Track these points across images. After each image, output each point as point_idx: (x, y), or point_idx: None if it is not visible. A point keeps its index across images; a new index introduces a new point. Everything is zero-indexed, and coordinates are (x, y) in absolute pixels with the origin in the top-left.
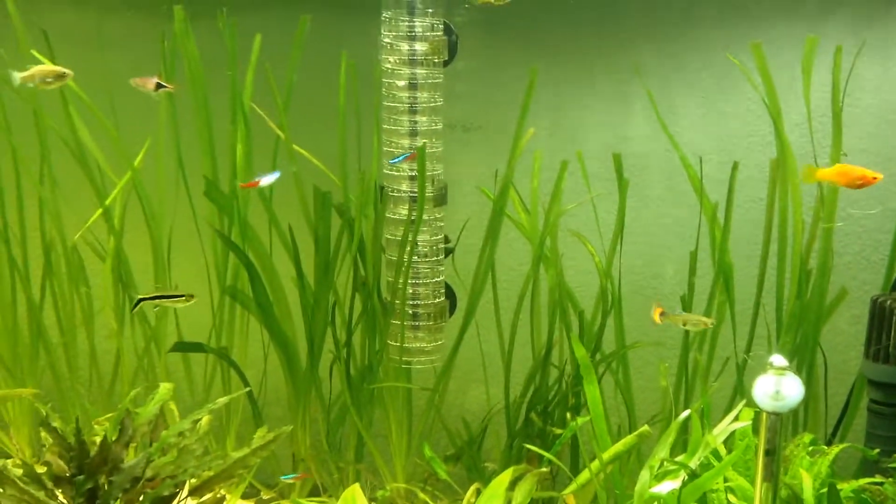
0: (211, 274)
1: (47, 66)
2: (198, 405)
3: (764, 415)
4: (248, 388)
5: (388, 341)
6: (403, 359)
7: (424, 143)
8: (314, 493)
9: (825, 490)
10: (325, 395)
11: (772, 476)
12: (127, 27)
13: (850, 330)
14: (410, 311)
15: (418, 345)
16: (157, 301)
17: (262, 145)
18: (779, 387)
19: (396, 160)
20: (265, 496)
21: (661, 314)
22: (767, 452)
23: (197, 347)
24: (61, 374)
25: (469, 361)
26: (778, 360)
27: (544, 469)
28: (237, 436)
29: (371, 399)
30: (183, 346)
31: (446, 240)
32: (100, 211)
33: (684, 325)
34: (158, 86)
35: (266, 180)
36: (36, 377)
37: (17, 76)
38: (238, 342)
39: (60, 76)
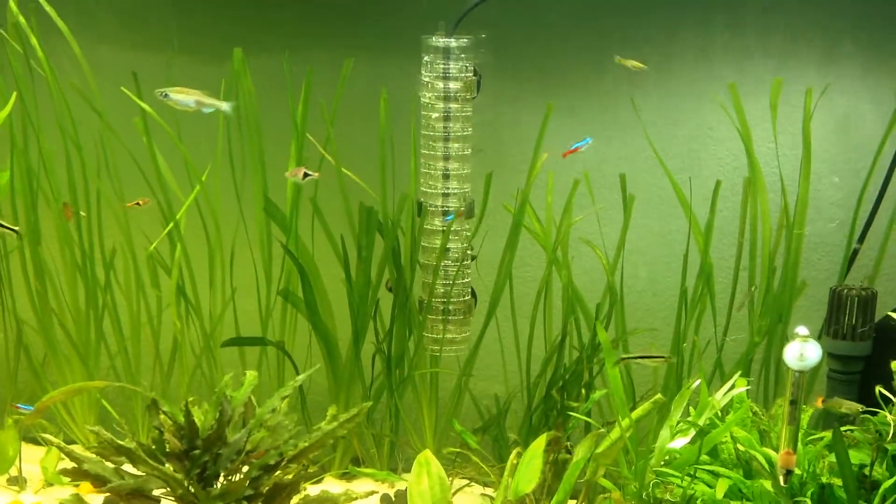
0: (261, 278)
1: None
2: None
3: (790, 372)
4: (317, 366)
5: (424, 333)
6: (435, 347)
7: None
8: (354, 464)
9: (808, 438)
10: (366, 381)
11: (794, 420)
12: (194, 68)
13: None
14: (442, 308)
15: (449, 336)
16: None
17: (312, 166)
18: (803, 350)
19: (579, 144)
20: (311, 470)
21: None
22: (792, 402)
23: (258, 341)
24: (122, 369)
25: (488, 352)
26: (802, 330)
27: (602, 430)
28: None
29: (404, 383)
30: (240, 341)
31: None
32: (172, 224)
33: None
34: (305, 174)
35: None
36: (100, 372)
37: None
38: (283, 337)
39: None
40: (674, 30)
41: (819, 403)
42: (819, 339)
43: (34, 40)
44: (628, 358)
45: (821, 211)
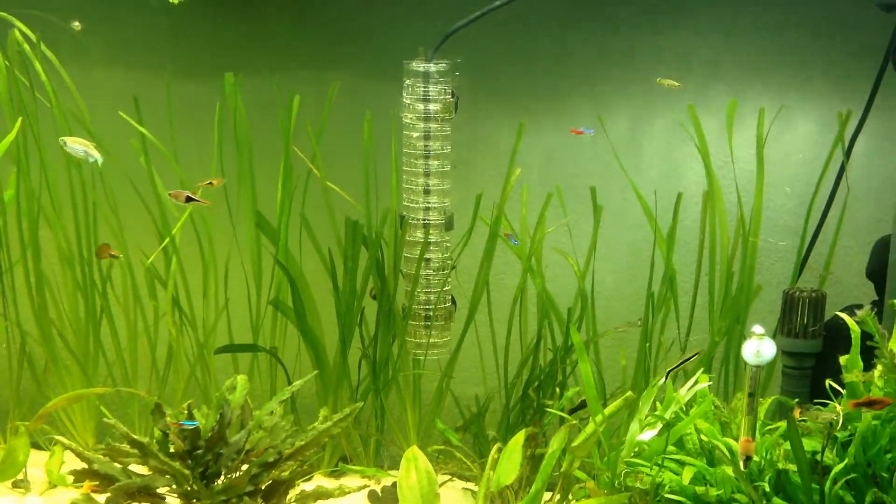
0: (252, 288)
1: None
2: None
3: (748, 368)
4: (313, 373)
5: (407, 338)
6: (417, 352)
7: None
8: (342, 462)
9: (766, 427)
10: (353, 384)
11: (752, 411)
12: (190, 89)
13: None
14: (423, 314)
15: (431, 340)
16: None
17: (299, 182)
18: (759, 347)
19: (585, 130)
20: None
21: None
22: (750, 395)
23: (250, 348)
24: (119, 376)
25: (467, 355)
26: (758, 329)
27: (574, 422)
28: None
29: (388, 385)
30: (233, 348)
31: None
32: (167, 238)
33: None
34: (188, 199)
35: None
36: (99, 380)
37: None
38: (273, 344)
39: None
40: (632, 56)
41: (797, 414)
42: (774, 337)
43: (38, 66)
44: (677, 368)
45: (775, 219)
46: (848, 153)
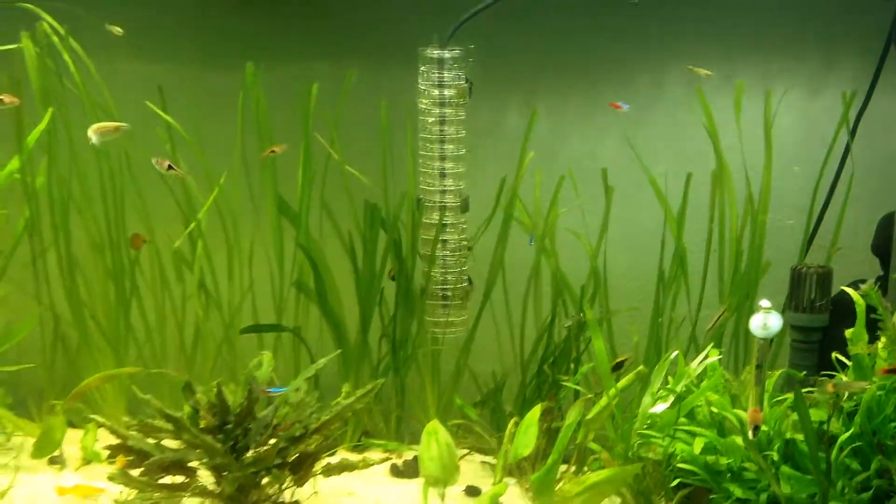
0: (275, 271)
1: (108, 123)
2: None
3: (756, 340)
4: (337, 352)
5: (426, 317)
6: (436, 330)
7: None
8: (364, 437)
9: (774, 399)
10: (374, 362)
11: (760, 382)
12: (213, 78)
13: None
14: (441, 294)
15: (448, 319)
16: None
17: (318, 168)
18: (766, 321)
19: (622, 105)
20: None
21: None
22: (758, 366)
23: (275, 328)
24: (149, 357)
25: (484, 333)
26: (765, 303)
27: (590, 396)
28: None
29: (408, 362)
30: (258, 328)
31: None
32: (193, 223)
33: None
34: (170, 167)
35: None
36: (129, 360)
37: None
38: (296, 324)
39: (116, 129)
40: (644, 41)
41: (830, 388)
42: (782, 312)
43: (67, 56)
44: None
45: (784, 198)
46: (853, 132)
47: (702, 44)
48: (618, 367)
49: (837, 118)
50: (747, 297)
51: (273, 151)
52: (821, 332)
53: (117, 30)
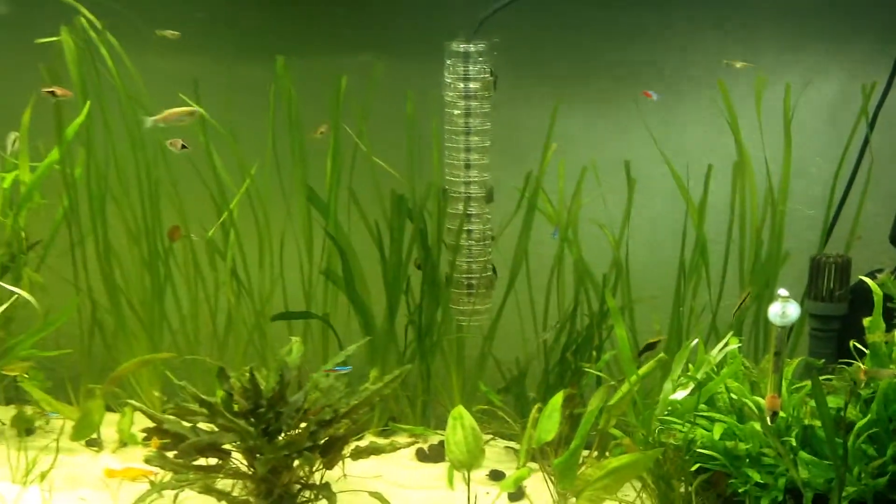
0: (304, 259)
1: (179, 109)
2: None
3: (774, 328)
4: (366, 339)
5: (451, 305)
6: (461, 318)
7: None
8: (391, 421)
9: (793, 386)
10: (400, 348)
11: (778, 369)
12: (244, 71)
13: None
14: (466, 283)
15: (473, 307)
16: None
17: (347, 159)
18: (784, 309)
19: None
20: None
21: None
22: (776, 353)
23: (304, 315)
24: (183, 343)
25: (508, 320)
26: (783, 291)
27: (612, 383)
28: None
29: (433, 349)
30: (288, 315)
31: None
32: (226, 213)
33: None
34: (183, 146)
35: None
36: (163, 346)
37: (149, 120)
38: (324, 311)
39: (190, 114)
40: (666, 34)
41: (862, 375)
42: (802, 301)
43: (104, 51)
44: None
45: (806, 188)
46: (872, 124)
47: (725, 37)
48: (651, 348)
49: (856, 110)
50: (767, 286)
51: (322, 133)
52: (839, 321)
53: (171, 33)
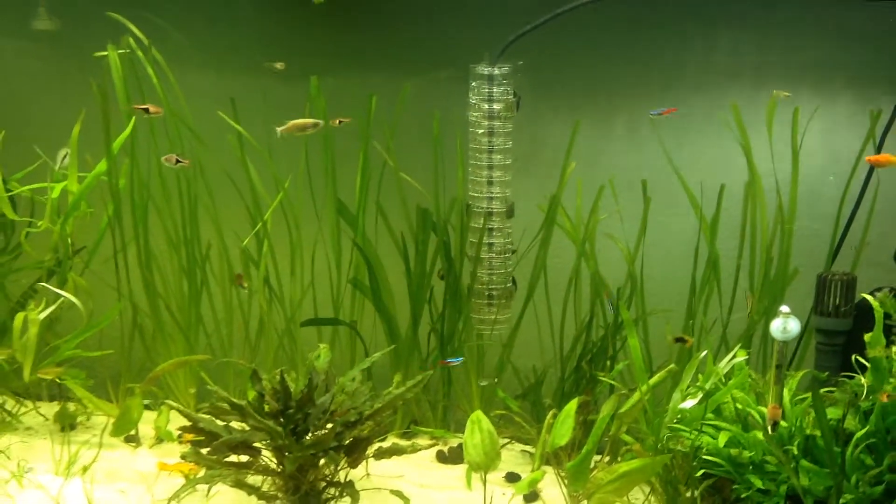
0: (333, 269)
1: (303, 120)
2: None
3: (776, 343)
4: (391, 347)
5: (472, 314)
6: (481, 327)
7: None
8: (413, 424)
9: (797, 398)
10: (423, 355)
11: (779, 381)
12: (278, 90)
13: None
14: (487, 293)
15: (493, 317)
16: None
17: (375, 174)
18: (786, 325)
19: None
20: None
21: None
22: (777, 366)
23: (332, 321)
24: (217, 346)
25: (526, 330)
26: (784, 308)
27: (624, 391)
28: None
29: (454, 356)
30: (317, 321)
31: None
32: (260, 224)
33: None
34: (177, 161)
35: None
36: (199, 349)
37: (278, 130)
38: (352, 318)
39: (314, 125)
40: (682, 60)
41: (885, 398)
42: (809, 316)
43: (150, 69)
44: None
45: (817, 206)
46: (879, 147)
47: (735, 62)
48: (681, 340)
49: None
50: (775, 302)
51: (341, 122)
52: (844, 336)
53: (279, 65)
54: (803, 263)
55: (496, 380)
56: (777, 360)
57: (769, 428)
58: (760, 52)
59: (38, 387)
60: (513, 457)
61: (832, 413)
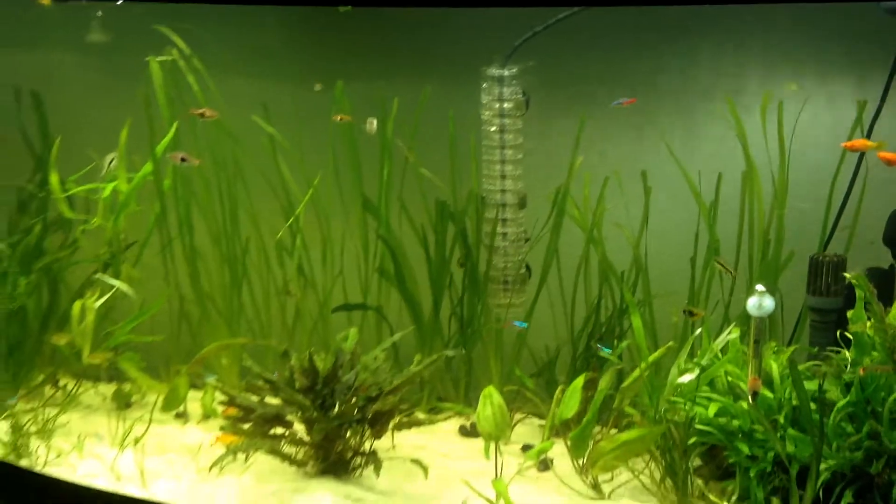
0: (360, 259)
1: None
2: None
3: (752, 319)
4: (410, 328)
5: (489, 299)
6: (499, 310)
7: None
8: (439, 401)
9: (785, 371)
10: (445, 337)
11: (758, 354)
12: (306, 94)
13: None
14: (502, 279)
15: (509, 301)
16: None
17: (397, 171)
18: (761, 301)
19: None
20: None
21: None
22: (756, 341)
23: (361, 307)
24: (257, 329)
25: (540, 312)
26: (760, 287)
27: (621, 365)
28: None
29: (474, 338)
30: (347, 307)
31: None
32: (293, 218)
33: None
34: (183, 159)
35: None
36: (240, 333)
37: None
38: (378, 304)
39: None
40: (687, 58)
41: (862, 371)
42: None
43: (191, 78)
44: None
45: (817, 192)
46: (868, 135)
47: (741, 58)
48: (689, 314)
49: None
50: (774, 283)
51: (342, 118)
52: (835, 313)
53: (318, 86)
54: (802, 245)
55: (463, 350)
56: (755, 335)
57: (750, 398)
58: (757, 46)
59: (96, 369)
60: (531, 430)
61: (813, 385)
